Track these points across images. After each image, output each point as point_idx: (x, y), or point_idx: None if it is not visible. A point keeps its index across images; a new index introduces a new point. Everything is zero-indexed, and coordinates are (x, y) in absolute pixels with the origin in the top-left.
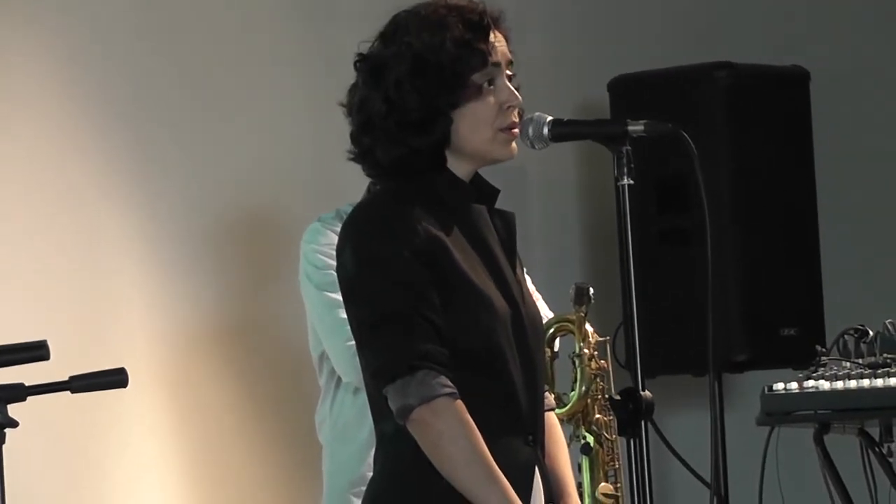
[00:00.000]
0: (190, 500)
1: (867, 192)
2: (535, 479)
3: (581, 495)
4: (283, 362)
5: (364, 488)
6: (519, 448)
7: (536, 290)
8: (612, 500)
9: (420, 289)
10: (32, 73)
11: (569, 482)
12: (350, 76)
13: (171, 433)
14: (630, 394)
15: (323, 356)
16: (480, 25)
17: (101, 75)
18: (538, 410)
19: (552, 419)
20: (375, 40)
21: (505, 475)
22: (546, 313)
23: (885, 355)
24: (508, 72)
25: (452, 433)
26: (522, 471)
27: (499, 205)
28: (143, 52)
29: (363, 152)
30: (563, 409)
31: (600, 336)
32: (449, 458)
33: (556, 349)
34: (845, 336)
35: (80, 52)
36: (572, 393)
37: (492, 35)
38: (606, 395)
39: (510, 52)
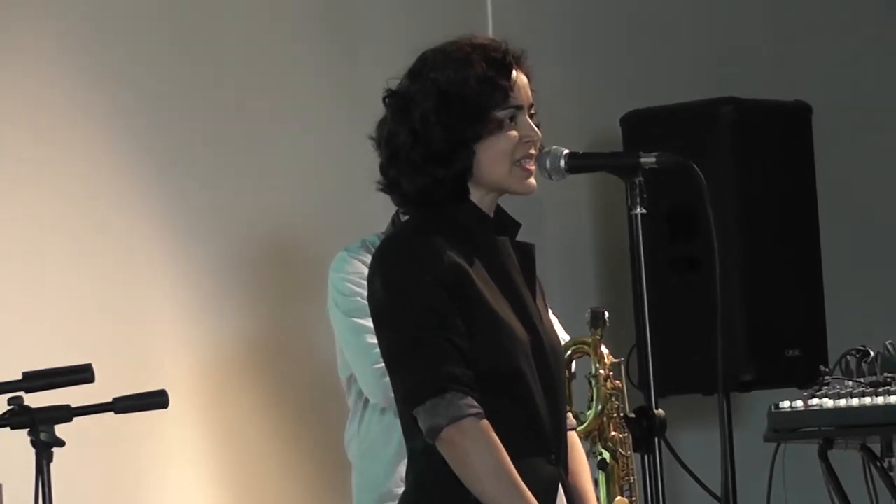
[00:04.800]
0: None
1: (866, 221)
2: (558, 495)
3: None
4: (313, 384)
5: (391, 503)
6: (542, 466)
7: (554, 314)
8: None
9: (446, 315)
10: (72, 97)
11: (590, 498)
12: (375, 113)
13: (206, 452)
14: (644, 412)
15: (351, 378)
16: (503, 63)
17: (141, 100)
18: (561, 431)
19: (574, 438)
20: (404, 77)
21: (530, 492)
22: (563, 336)
23: (885, 374)
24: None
25: (480, 451)
26: (546, 487)
27: (518, 236)
28: (185, 80)
29: (390, 183)
30: (581, 427)
31: (615, 357)
32: (477, 475)
33: (573, 370)
34: (847, 356)
35: (121, 74)
36: (589, 411)
37: (514, 73)
38: (621, 414)
39: (532, 89)
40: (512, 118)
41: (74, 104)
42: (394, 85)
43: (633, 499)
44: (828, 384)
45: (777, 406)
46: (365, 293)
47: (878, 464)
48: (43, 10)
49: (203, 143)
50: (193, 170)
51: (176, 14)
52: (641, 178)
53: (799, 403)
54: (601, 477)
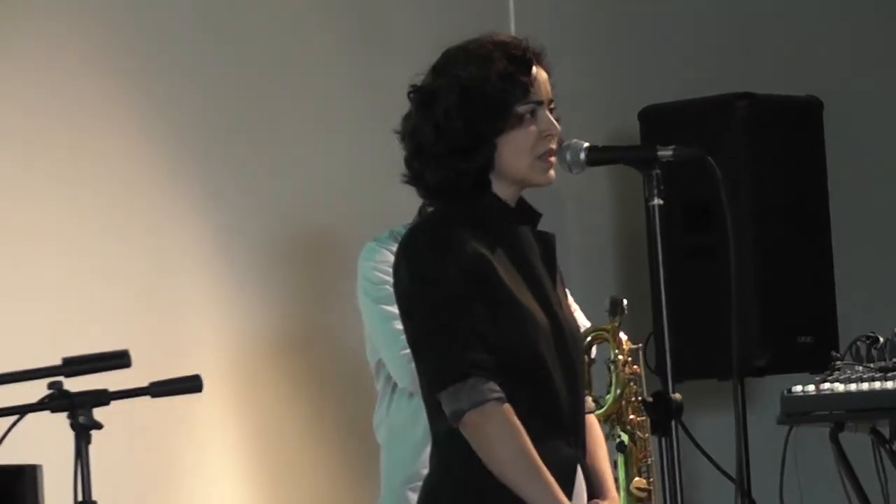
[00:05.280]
0: (257, 494)
1: (876, 212)
2: (577, 476)
3: (617, 489)
4: (343, 369)
5: (418, 484)
6: (561, 448)
7: (575, 302)
8: (645, 494)
9: (469, 302)
10: (108, 91)
11: (608, 479)
12: (402, 107)
13: (239, 435)
14: (661, 396)
15: (380, 364)
16: (523, 60)
17: (177, 95)
18: (579, 414)
19: (592, 421)
20: (428, 73)
21: (549, 473)
22: (584, 323)
23: (894, 360)
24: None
25: (501, 435)
26: (565, 468)
27: (540, 226)
28: (219, 75)
29: (415, 175)
30: (600, 411)
31: (633, 344)
32: (498, 457)
33: (592, 356)
34: (858, 342)
35: (157, 70)
36: (608, 396)
37: (534, 69)
38: (639, 398)
39: (551, 85)
40: (532, 113)
41: (110, 98)
42: (418, 81)
43: (651, 480)
44: (839, 369)
45: (790, 391)
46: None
47: (888, 446)
48: (81, 5)
49: (237, 137)
50: (227, 162)
51: (211, 14)
52: (658, 171)
53: (811, 388)
54: (620, 459)
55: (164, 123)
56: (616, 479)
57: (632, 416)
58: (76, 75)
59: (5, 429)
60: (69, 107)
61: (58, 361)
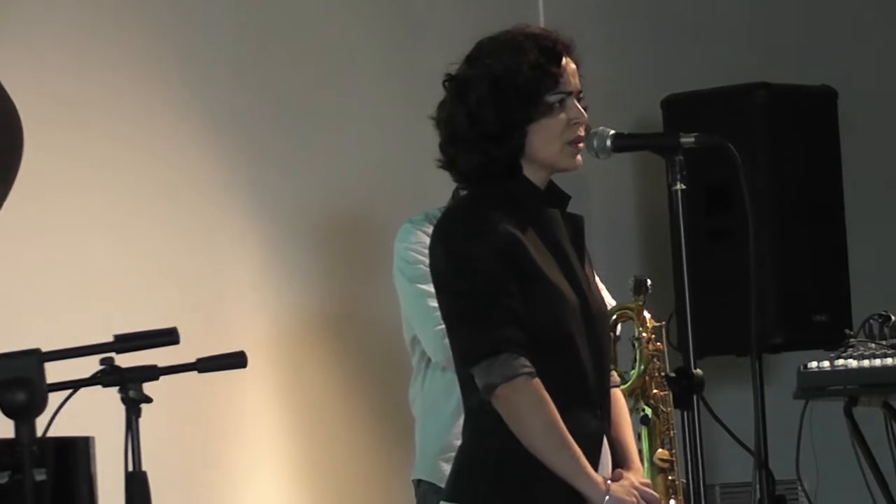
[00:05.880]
0: (298, 462)
1: (888, 196)
2: (602, 448)
3: (641, 460)
4: (379, 345)
5: (451, 455)
6: (588, 421)
7: (601, 281)
8: (667, 465)
9: (501, 281)
10: (156, 89)
11: (632, 450)
12: (436, 94)
13: (281, 409)
14: (683, 372)
15: (415, 340)
16: (554, 51)
17: (220, 86)
18: (605, 388)
19: (617, 395)
20: (462, 63)
21: (577, 444)
22: (609, 302)
23: None
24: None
25: (531, 407)
26: (592, 440)
27: (568, 209)
28: (259, 67)
29: (449, 161)
30: (625, 386)
31: (656, 322)
32: (528, 429)
33: (618, 333)
34: (871, 321)
35: (199, 66)
36: (633, 371)
37: (564, 60)
38: (662, 373)
39: (580, 75)
40: (561, 102)
41: (159, 93)
42: (453, 70)
43: (673, 451)
44: (852, 346)
45: (805, 366)
46: (427, 261)
47: None
48: (127, 9)
49: (277, 126)
50: (269, 149)
51: (252, 8)
52: (681, 157)
53: (826, 364)
54: (644, 431)
55: (208, 115)
56: (640, 451)
57: (655, 391)
58: (130, 72)
59: (60, 402)
60: (120, 101)
61: (110, 338)
